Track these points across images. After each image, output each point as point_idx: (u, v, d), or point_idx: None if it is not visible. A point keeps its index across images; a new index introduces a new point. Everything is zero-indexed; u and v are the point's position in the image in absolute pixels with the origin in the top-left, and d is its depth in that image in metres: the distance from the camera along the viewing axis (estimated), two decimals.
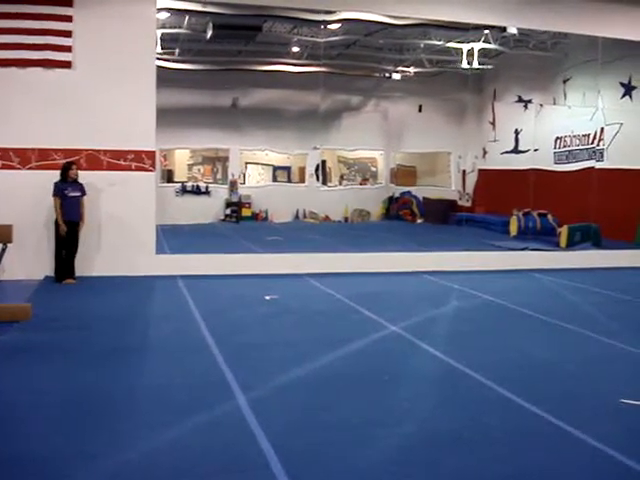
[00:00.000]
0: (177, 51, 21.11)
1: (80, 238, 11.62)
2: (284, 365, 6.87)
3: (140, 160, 12.29)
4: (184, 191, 24.09)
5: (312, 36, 20.18)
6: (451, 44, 20.81)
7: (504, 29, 17.61)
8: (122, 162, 12.20)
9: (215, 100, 24.08)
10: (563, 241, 17.53)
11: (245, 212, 24.55)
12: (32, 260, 11.57)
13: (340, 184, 27.18)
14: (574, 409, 5.81)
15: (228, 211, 24.42)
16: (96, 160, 12.03)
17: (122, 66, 12.07)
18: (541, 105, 22.35)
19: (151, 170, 12.45)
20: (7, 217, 9.40)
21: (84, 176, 11.78)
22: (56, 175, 11.57)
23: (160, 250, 13.01)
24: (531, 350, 7.83)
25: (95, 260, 11.94)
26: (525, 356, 7.57)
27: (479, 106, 25.93)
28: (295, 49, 22.10)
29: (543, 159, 22.19)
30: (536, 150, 22.54)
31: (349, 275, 12.80)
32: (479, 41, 20.04)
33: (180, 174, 25.58)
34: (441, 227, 23.40)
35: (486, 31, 19.17)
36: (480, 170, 25.95)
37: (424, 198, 25.95)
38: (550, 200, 20.78)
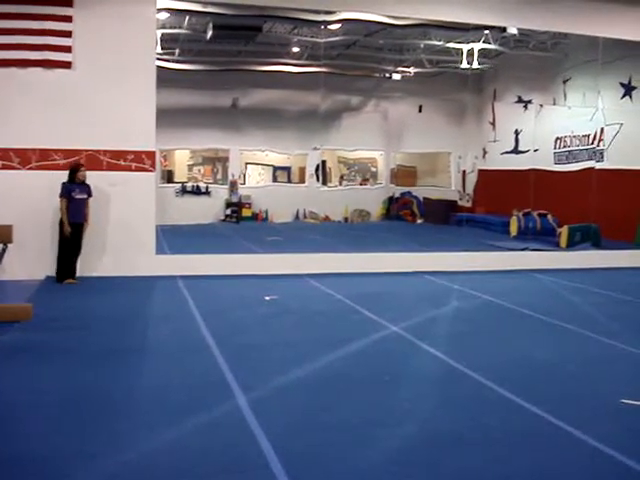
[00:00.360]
0: (177, 51, 21.11)
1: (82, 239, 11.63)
2: (284, 365, 6.86)
3: (140, 160, 12.29)
4: (184, 191, 24.11)
5: (312, 36, 20.19)
6: (451, 44, 20.82)
7: (504, 29, 17.63)
8: (122, 162, 12.20)
9: (215, 100, 24.08)
10: (563, 241, 17.54)
11: (245, 212, 24.57)
12: (32, 260, 11.56)
13: (340, 184, 27.19)
14: (574, 409, 5.80)
15: (228, 211, 24.43)
16: (96, 160, 12.03)
17: (122, 66, 12.07)
18: (541, 105, 22.36)
19: (151, 170, 12.45)
20: (7, 217, 9.41)
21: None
22: (57, 175, 11.58)
23: (160, 250, 13.01)
24: (531, 350, 7.83)
25: (95, 260, 11.93)
26: (525, 356, 7.56)
27: (479, 106, 25.94)
28: (295, 49, 22.10)
29: (543, 159, 22.19)
30: (536, 150, 22.55)
31: (349, 275, 12.80)
32: (479, 41, 20.05)
33: (180, 174, 25.59)
34: (441, 227, 23.39)
35: (486, 31, 19.17)
36: (480, 170, 25.95)
37: (424, 198, 25.95)
38: (550, 200, 20.78)
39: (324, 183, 25.97)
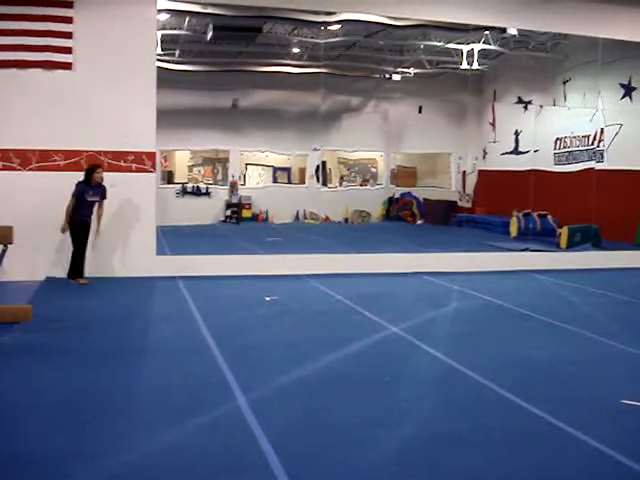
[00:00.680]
0: (177, 52, 21.14)
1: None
2: (284, 366, 6.87)
3: (140, 161, 12.30)
4: (184, 192, 24.13)
5: (312, 37, 20.22)
6: (451, 45, 20.84)
7: (504, 30, 17.66)
8: (122, 163, 12.21)
9: (215, 101, 24.11)
10: (563, 242, 17.54)
11: (245, 213, 24.60)
12: (33, 261, 11.55)
13: (340, 185, 27.22)
14: (574, 410, 5.81)
15: (228, 212, 24.46)
16: (96, 161, 12.03)
17: (122, 67, 12.07)
18: (541, 106, 22.38)
19: (151, 171, 12.45)
20: (8, 218, 9.39)
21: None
22: (57, 176, 11.61)
23: (160, 251, 13.02)
24: (531, 351, 7.83)
25: (96, 261, 11.91)
26: (525, 357, 7.56)
27: (479, 107, 25.97)
28: (295, 50, 22.12)
29: (543, 160, 22.22)
30: (536, 151, 22.58)
31: (349, 276, 12.80)
32: (479, 42, 20.07)
33: (180, 175, 25.63)
34: (441, 228, 23.41)
35: (486, 32, 19.20)
36: (480, 171, 25.98)
37: (424, 199, 25.97)
38: (550, 201, 20.81)
39: (324, 184, 26.00)
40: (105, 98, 11.99)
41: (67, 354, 7.25)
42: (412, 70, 24.14)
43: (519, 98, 23.24)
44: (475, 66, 20.84)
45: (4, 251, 8.64)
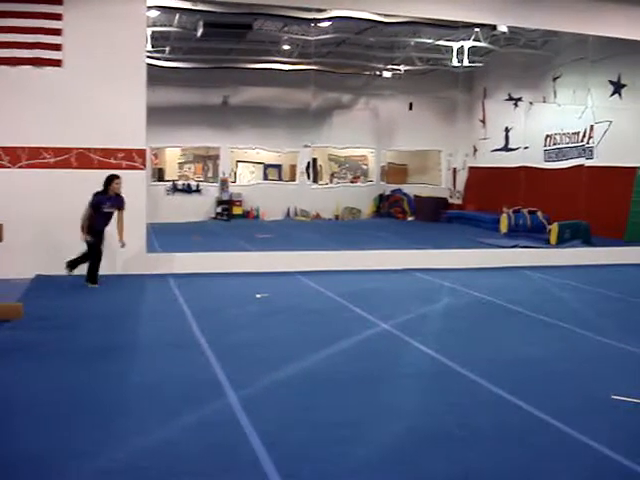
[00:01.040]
0: (168, 49, 21.08)
1: (68, 236, 11.55)
2: (275, 363, 6.88)
3: (131, 158, 12.27)
4: (175, 189, 24.09)
5: (303, 34, 20.17)
6: (441, 42, 20.83)
7: (494, 27, 17.66)
8: (113, 160, 12.17)
9: (206, 98, 24.08)
10: (553, 238, 17.60)
11: (236, 210, 24.58)
12: (23, 259, 11.51)
13: (331, 182, 27.23)
14: (564, 406, 5.84)
15: (219, 209, 24.44)
16: (87, 159, 12.00)
17: (112, 64, 12.04)
18: (531, 103, 22.43)
19: (142, 168, 12.43)
20: None
21: (75, 175, 11.80)
22: (47, 173, 11.58)
23: (151, 249, 13.00)
24: (522, 347, 7.87)
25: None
26: (516, 353, 7.60)
27: (469, 104, 26.00)
28: (286, 47, 22.08)
29: (533, 157, 22.29)
30: (526, 148, 22.64)
31: (340, 273, 12.81)
32: (469, 39, 20.08)
33: (171, 172, 25.58)
34: (432, 225, 23.46)
35: (476, 29, 19.21)
36: (470, 168, 26.03)
37: (415, 196, 26.01)
38: (540, 198, 20.87)
39: (315, 181, 26.01)
40: (95, 95, 11.96)
41: (58, 352, 7.24)
42: (402, 67, 24.14)
43: (509, 95, 23.29)
44: (465, 63, 20.85)
45: None
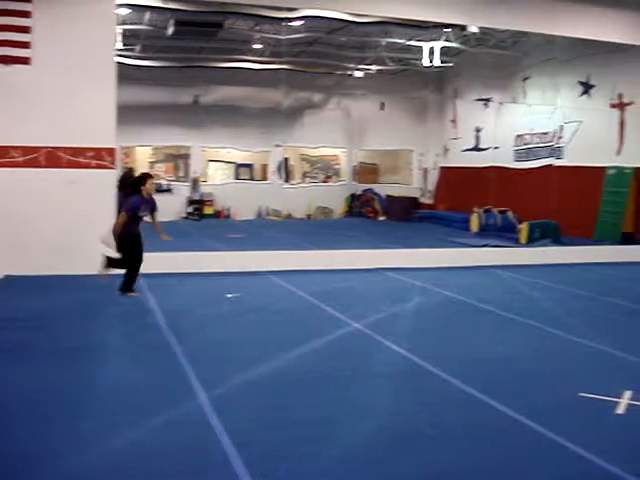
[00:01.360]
0: (138, 47, 20.94)
1: (37, 236, 11.45)
2: (247, 363, 6.85)
3: (100, 157, 12.17)
4: None
5: (274, 33, 20.14)
6: (412, 42, 20.90)
7: (464, 28, 17.76)
8: (82, 159, 12.06)
9: (177, 97, 23.98)
10: (523, 238, 17.74)
11: (207, 210, 24.53)
12: None
13: (303, 182, 27.22)
14: (534, 404, 5.87)
15: (190, 209, 24.36)
16: (55, 158, 11.88)
17: (82, 62, 11.93)
18: (501, 103, 22.60)
19: (112, 168, 12.33)
20: None
21: (43, 174, 11.67)
22: (15, 173, 11.46)
23: None
24: (492, 346, 7.91)
25: (53, 259, 11.70)
26: (486, 352, 7.64)
27: (440, 104, 26.15)
28: (257, 46, 22.04)
29: (503, 157, 22.47)
30: (496, 148, 22.82)
31: (311, 272, 12.80)
32: (440, 39, 20.16)
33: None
34: (403, 224, 23.54)
35: (447, 29, 19.30)
36: (441, 168, 26.16)
37: (386, 195, 26.09)
38: (510, 197, 21.03)
39: (287, 180, 25.99)
40: (64, 93, 11.84)
41: (28, 353, 7.16)
42: (374, 67, 24.19)
43: (480, 95, 23.42)
44: (437, 63, 20.93)
45: None
